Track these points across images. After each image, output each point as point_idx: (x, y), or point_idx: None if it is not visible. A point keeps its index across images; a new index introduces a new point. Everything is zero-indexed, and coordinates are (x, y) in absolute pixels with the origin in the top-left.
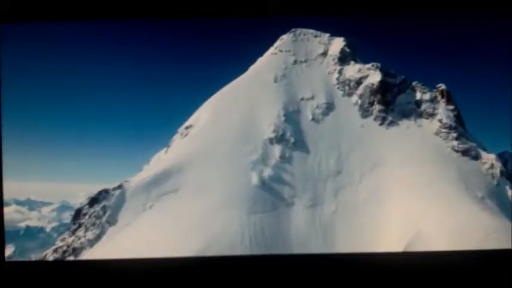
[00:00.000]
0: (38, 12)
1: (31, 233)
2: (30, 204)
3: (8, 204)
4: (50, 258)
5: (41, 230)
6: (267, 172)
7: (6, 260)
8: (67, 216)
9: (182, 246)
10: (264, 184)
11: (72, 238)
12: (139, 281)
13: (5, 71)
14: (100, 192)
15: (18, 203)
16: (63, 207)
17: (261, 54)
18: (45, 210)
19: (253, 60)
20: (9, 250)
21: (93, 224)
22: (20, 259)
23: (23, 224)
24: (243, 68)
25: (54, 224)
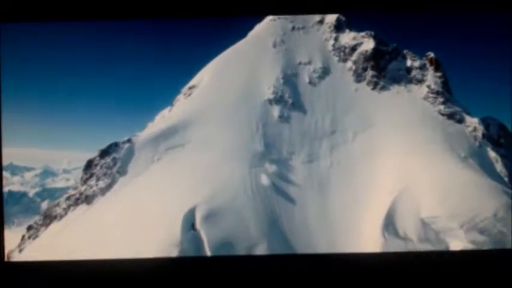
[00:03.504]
0: (38, 12)
1: (14, 197)
2: (13, 169)
3: None
4: (63, 205)
5: (24, 194)
6: (267, 130)
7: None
8: (50, 182)
9: (190, 195)
10: (264, 141)
11: (84, 187)
12: (139, 281)
13: (5, 68)
14: (110, 145)
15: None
16: (46, 173)
17: (258, 21)
18: (28, 175)
19: (250, 27)
20: None
21: (105, 174)
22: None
23: (5, 189)
24: (242, 35)
25: (37, 189)
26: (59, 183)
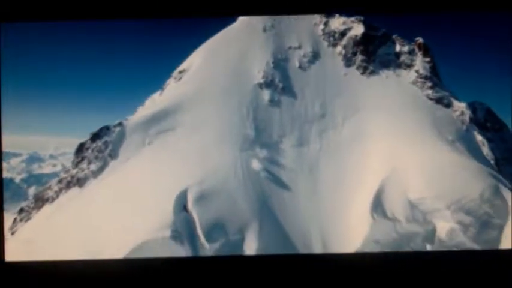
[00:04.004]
0: (38, 12)
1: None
2: None
3: None
4: (55, 188)
5: (10, 181)
6: (257, 114)
7: None
8: (36, 168)
9: (181, 177)
10: (255, 124)
11: (75, 170)
12: (139, 281)
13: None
14: (101, 129)
15: None
16: (33, 159)
17: None
18: (14, 161)
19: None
20: None
21: (96, 157)
22: None
23: None
24: (232, 19)
25: (24, 175)
26: (46, 169)
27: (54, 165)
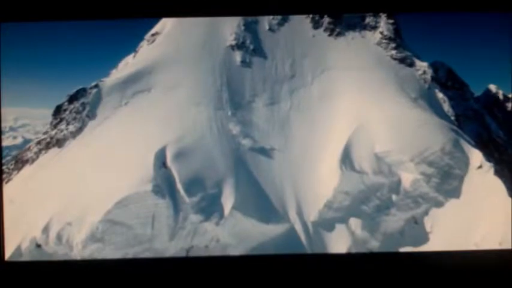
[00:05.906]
0: (38, 12)
1: None
2: None
3: None
4: (34, 149)
5: None
6: (230, 74)
7: None
8: None
9: (159, 136)
10: (228, 84)
11: (54, 131)
12: (138, 281)
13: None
14: (78, 91)
15: None
16: None
17: None
18: None
19: None
20: None
21: (74, 119)
22: None
23: None
24: None
25: None
26: (6, 141)
27: (15, 138)
